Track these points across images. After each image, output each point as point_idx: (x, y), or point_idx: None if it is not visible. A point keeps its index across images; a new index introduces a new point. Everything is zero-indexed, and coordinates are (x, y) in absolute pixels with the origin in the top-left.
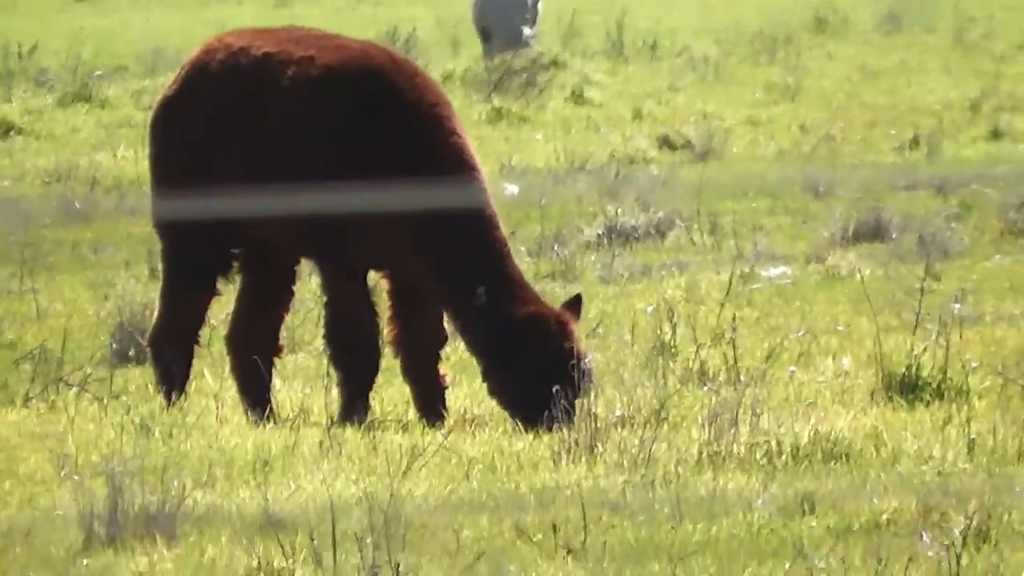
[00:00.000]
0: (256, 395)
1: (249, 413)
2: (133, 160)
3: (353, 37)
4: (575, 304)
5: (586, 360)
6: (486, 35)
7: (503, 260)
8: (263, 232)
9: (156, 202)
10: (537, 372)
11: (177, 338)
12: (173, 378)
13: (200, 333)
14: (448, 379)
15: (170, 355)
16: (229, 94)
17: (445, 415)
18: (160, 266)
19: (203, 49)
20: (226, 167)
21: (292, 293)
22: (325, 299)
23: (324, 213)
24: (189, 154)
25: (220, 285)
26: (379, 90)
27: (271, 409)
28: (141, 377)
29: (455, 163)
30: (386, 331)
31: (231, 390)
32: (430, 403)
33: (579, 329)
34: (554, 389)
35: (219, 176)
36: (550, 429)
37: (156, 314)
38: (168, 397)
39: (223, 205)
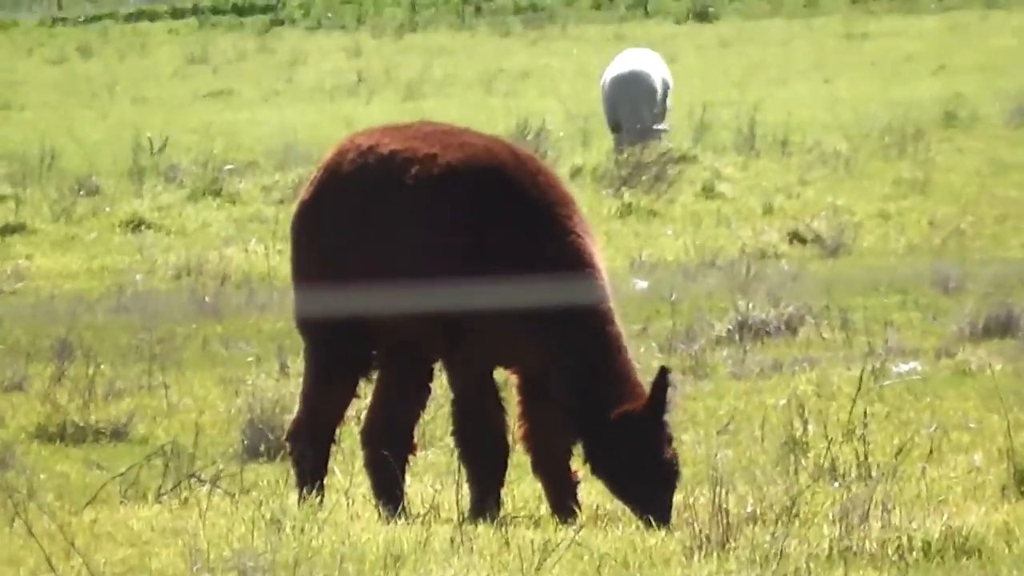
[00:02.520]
0: (389, 491)
1: (381, 509)
2: (263, 255)
3: (482, 133)
4: (662, 382)
5: (673, 453)
6: (616, 128)
7: (615, 355)
8: (395, 329)
9: (297, 300)
10: (628, 471)
11: (315, 434)
12: (310, 474)
13: (338, 430)
14: (580, 474)
15: (308, 451)
16: (359, 194)
17: (577, 511)
18: (300, 362)
19: (336, 150)
20: (360, 266)
21: (429, 390)
22: (452, 395)
23: (447, 310)
24: (326, 254)
25: (360, 382)
26: (500, 188)
27: (403, 506)
28: (272, 473)
29: (573, 260)
30: (515, 427)
31: (362, 486)
32: (561, 499)
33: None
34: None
35: (354, 275)
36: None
37: (297, 409)
38: (304, 492)
39: (352, 302)
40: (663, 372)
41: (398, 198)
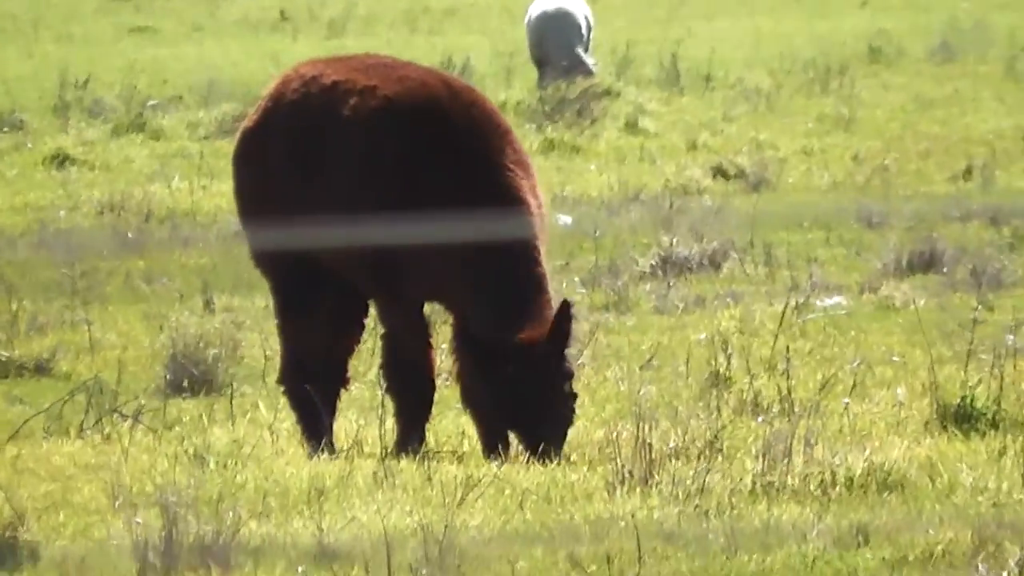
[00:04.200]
0: (314, 426)
1: (306, 444)
2: (187, 191)
3: (423, 66)
4: (565, 313)
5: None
6: (541, 63)
7: (536, 293)
8: (330, 263)
9: (248, 235)
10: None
11: (295, 373)
12: (302, 414)
13: (336, 367)
14: None
15: (295, 391)
16: (300, 124)
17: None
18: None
19: (281, 79)
20: (299, 198)
21: (363, 325)
22: (382, 330)
23: (378, 244)
24: (267, 185)
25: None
26: (432, 121)
27: (328, 440)
28: (195, 408)
29: (502, 195)
30: (447, 363)
31: (285, 421)
32: None
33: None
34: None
35: (294, 207)
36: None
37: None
38: (305, 435)
39: (286, 236)
40: (565, 304)
41: (337, 130)
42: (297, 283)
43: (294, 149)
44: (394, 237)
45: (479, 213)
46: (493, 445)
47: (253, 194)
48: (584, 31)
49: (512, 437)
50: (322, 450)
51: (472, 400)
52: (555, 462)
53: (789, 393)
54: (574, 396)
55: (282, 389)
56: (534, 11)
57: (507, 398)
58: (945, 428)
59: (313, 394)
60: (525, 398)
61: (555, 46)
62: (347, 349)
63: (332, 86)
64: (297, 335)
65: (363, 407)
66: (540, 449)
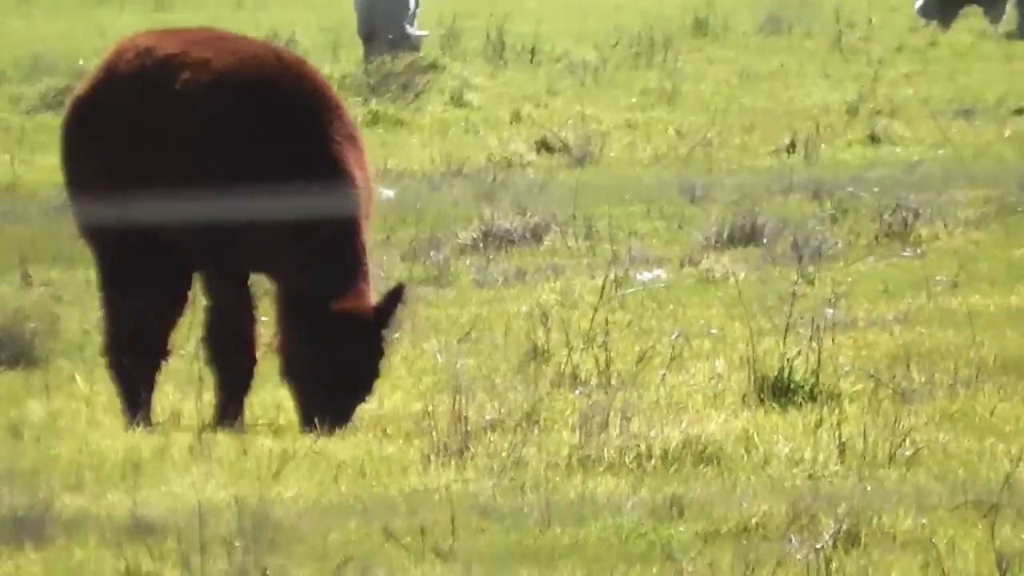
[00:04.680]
0: (134, 398)
1: (125, 416)
2: (8, 164)
3: (257, 40)
4: (397, 295)
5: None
6: (369, 37)
7: (356, 268)
8: (159, 235)
9: (74, 208)
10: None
11: (120, 345)
12: (124, 388)
13: (160, 340)
14: None
15: (118, 364)
16: (134, 95)
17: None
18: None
19: (116, 49)
20: (132, 169)
21: (187, 297)
22: (208, 302)
23: (208, 217)
24: (100, 155)
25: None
26: (261, 95)
27: (146, 413)
28: (11, 381)
29: (328, 169)
30: (270, 335)
31: (102, 394)
32: None
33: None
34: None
35: (127, 178)
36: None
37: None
38: (129, 410)
39: (114, 209)
40: (400, 287)
41: (169, 103)
42: (123, 255)
43: (126, 120)
44: (222, 210)
45: (305, 186)
46: (311, 416)
47: (82, 164)
48: (412, 5)
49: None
50: (139, 423)
51: (292, 370)
52: (370, 435)
53: (607, 366)
54: (378, 375)
55: (105, 361)
56: None
57: (324, 366)
58: (762, 401)
59: (134, 366)
60: (340, 367)
61: (384, 19)
62: (171, 321)
63: (166, 59)
64: (122, 307)
65: (180, 380)
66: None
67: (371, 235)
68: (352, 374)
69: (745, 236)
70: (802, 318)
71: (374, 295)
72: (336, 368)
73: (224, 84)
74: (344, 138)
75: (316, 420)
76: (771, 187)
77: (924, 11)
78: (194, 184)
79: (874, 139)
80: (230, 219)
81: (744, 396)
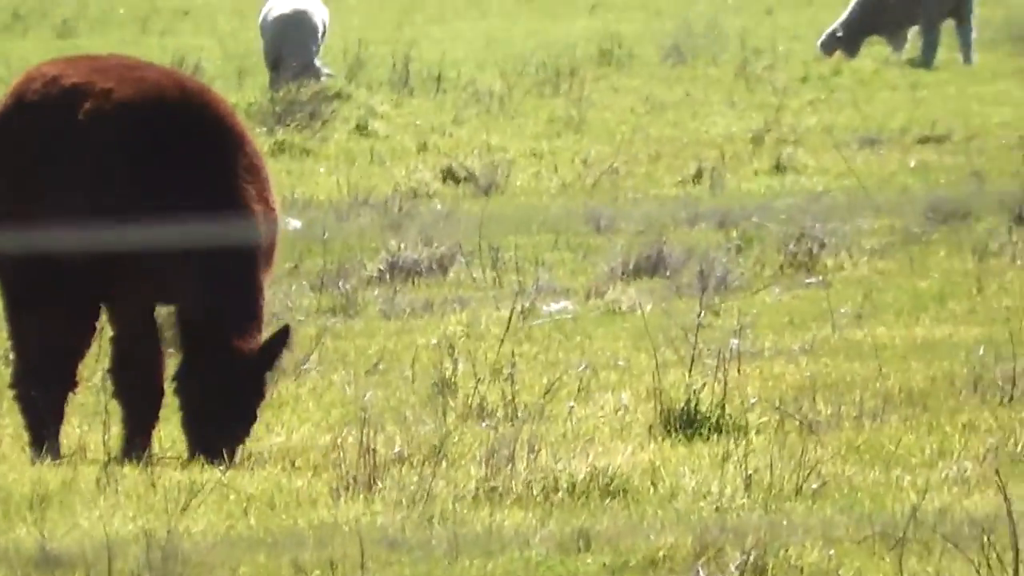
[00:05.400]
0: (41, 431)
1: (32, 449)
2: None
3: (162, 67)
4: (282, 338)
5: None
6: (275, 66)
7: (252, 301)
8: (65, 265)
9: None
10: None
11: (27, 377)
12: (31, 421)
13: (67, 371)
14: None
15: (25, 396)
16: (40, 125)
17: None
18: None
19: (24, 78)
20: (38, 199)
21: (95, 328)
22: (112, 333)
23: (108, 247)
24: (5, 183)
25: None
26: (162, 124)
27: (54, 446)
28: None
29: (228, 200)
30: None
31: (8, 426)
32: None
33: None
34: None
35: (33, 208)
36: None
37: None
38: (36, 442)
39: (18, 238)
40: (286, 329)
41: (74, 132)
42: (30, 285)
43: (33, 149)
44: (121, 240)
45: (205, 216)
46: (193, 448)
47: None
48: (320, 33)
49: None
50: (46, 455)
51: (179, 401)
52: (279, 467)
53: (514, 398)
54: (255, 416)
55: (13, 393)
56: (271, 13)
57: (204, 400)
58: (669, 433)
59: (42, 398)
60: (219, 403)
61: (291, 48)
62: (79, 352)
63: (71, 87)
64: (29, 338)
65: (86, 412)
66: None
67: (277, 266)
68: (229, 412)
69: (651, 266)
70: (708, 349)
71: (277, 325)
72: (214, 404)
73: (125, 113)
74: (246, 168)
75: (198, 452)
76: (677, 217)
77: (825, 47)
78: (97, 214)
79: (779, 168)
80: (130, 249)
81: (651, 428)
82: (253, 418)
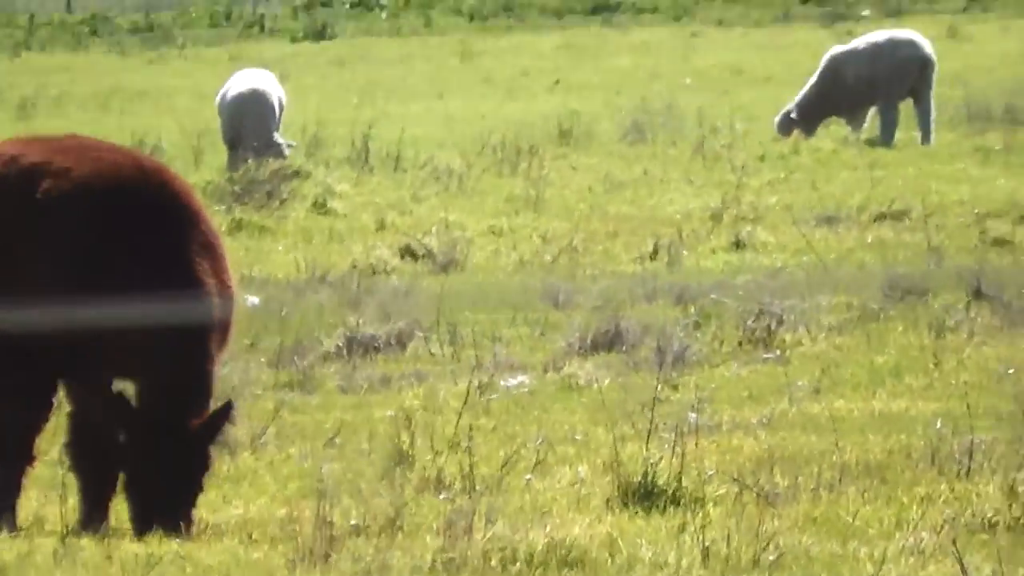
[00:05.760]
0: (1, 504)
1: None
2: None
3: (122, 147)
4: (225, 413)
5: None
6: (234, 144)
7: (201, 378)
8: (20, 342)
9: None
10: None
11: None
12: None
13: (25, 445)
14: None
15: None
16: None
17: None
18: None
19: None
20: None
21: (52, 403)
22: (69, 408)
23: (65, 326)
24: None
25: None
26: (119, 203)
27: (11, 519)
28: None
29: (184, 279)
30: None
31: None
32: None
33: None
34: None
35: None
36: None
37: None
38: None
39: None
40: (229, 404)
41: (32, 211)
42: None
43: None
44: (79, 319)
45: (160, 295)
46: (136, 521)
47: None
48: (278, 112)
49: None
50: (2, 528)
51: (130, 474)
52: (236, 539)
53: (471, 470)
54: (200, 488)
55: None
56: (229, 92)
57: (144, 473)
58: (626, 505)
59: (10, 472)
60: (159, 476)
61: (250, 127)
62: (36, 427)
63: (30, 167)
64: None
65: (43, 485)
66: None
67: (234, 342)
68: (171, 485)
69: (608, 342)
70: (665, 423)
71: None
72: (161, 477)
73: (82, 193)
74: (202, 245)
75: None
76: (635, 293)
77: (781, 127)
78: (55, 291)
79: (738, 245)
80: (87, 326)
81: (608, 500)
82: (199, 490)
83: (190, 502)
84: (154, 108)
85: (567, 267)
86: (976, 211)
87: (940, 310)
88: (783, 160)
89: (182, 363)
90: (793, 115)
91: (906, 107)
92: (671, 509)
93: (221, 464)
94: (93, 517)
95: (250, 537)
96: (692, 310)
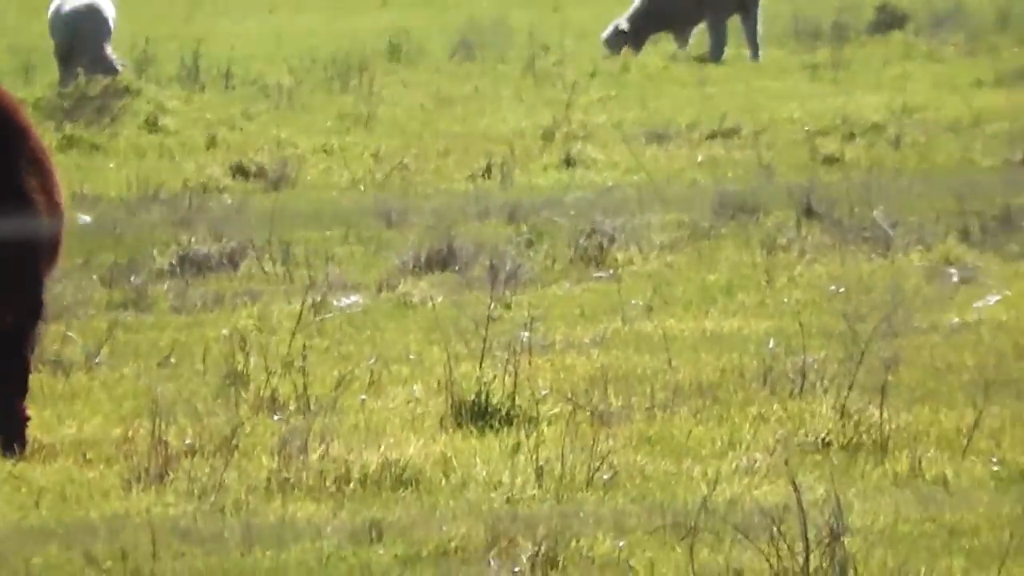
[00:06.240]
0: None
1: None
2: None
3: None
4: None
5: None
6: (65, 59)
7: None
8: None
9: None
10: None
11: None
12: None
13: None
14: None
15: None
16: None
17: (19, 449)
18: None
19: None
20: None
21: None
22: None
23: None
24: None
25: None
26: None
27: None
28: None
29: (12, 195)
30: None
31: None
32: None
33: None
34: None
35: None
36: None
37: None
38: None
39: None
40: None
41: None
42: None
43: None
44: None
45: None
46: None
47: None
48: (111, 27)
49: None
50: None
51: None
52: (71, 460)
53: (306, 390)
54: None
55: None
56: (64, 6)
57: None
58: (460, 425)
59: None
60: None
61: (83, 42)
62: None
63: None
64: None
65: None
66: None
67: (65, 260)
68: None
69: (441, 260)
70: (499, 342)
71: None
72: None
73: None
74: (30, 163)
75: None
76: (467, 211)
77: (610, 43)
78: None
79: (569, 163)
80: None
81: (442, 420)
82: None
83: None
84: None
85: (399, 185)
86: (806, 128)
87: (771, 228)
88: (613, 77)
89: (10, 280)
90: (623, 27)
91: (734, 24)
92: (505, 428)
93: (55, 383)
94: None
95: (85, 457)
96: (524, 228)
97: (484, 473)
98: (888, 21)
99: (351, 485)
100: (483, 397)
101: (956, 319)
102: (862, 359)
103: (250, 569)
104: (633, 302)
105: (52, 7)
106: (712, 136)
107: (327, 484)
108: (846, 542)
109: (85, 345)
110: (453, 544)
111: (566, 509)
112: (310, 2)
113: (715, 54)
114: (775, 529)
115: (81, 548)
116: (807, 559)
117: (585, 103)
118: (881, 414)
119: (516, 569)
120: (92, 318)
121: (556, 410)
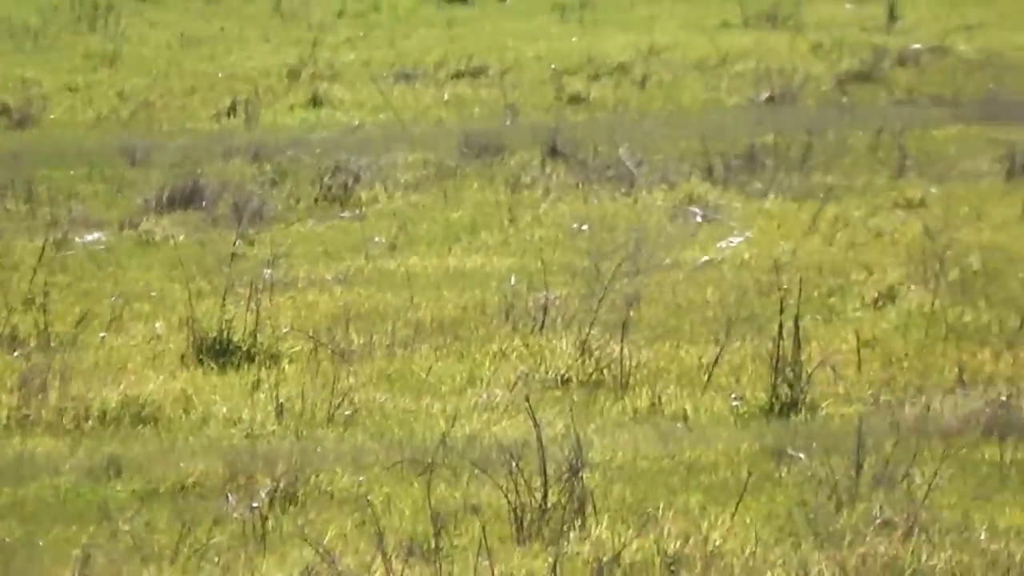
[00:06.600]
0: None
1: None
2: None
3: None
4: None
5: None
6: None
7: None
8: None
9: None
10: None
11: None
12: None
13: None
14: None
15: None
16: None
17: None
18: None
19: None
20: None
21: None
22: None
23: None
24: None
25: None
26: None
27: None
28: None
29: None
30: None
31: None
32: None
33: None
34: None
35: None
36: None
37: None
38: None
39: None
40: None
41: None
42: None
43: None
44: None
45: None
46: None
47: None
48: None
49: None
50: None
51: None
52: None
53: (46, 327)
54: None
55: None
56: None
57: None
58: (201, 362)
59: None
60: None
61: None
62: None
63: None
64: None
65: None
66: None
67: None
68: None
69: (186, 199)
70: (241, 279)
71: None
72: None
73: None
74: None
75: None
76: (212, 150)
77: None
78: None
79: (315, 103)
80: None
81: (183, 357)
82: None
83: None
84: None
85: (144, 124)
86: (552, 67)
87: (516, 167)
88: (361, 17)
89: None
90: None
91: None
92: (246, 365)
93: None
94: None
95: None
96: (269, 167)
97: (224, 410)
98: None
99: (90, 422)
100: (224, 334)
101: (700, 257)
102: (604, 296)
103: None
104: (377, 239)
105: None
106: (459, 75)
107: (66, 421)
108: (585, 477)
109: None
110: (191, 480)
111: (306, 446)
112: None
113: None
114: (514, 464)
115: None
116: (545, 494)
117: (333, 43)
118: (621, 350)
119: (254, 505)
120: None
121: (297, 348)
